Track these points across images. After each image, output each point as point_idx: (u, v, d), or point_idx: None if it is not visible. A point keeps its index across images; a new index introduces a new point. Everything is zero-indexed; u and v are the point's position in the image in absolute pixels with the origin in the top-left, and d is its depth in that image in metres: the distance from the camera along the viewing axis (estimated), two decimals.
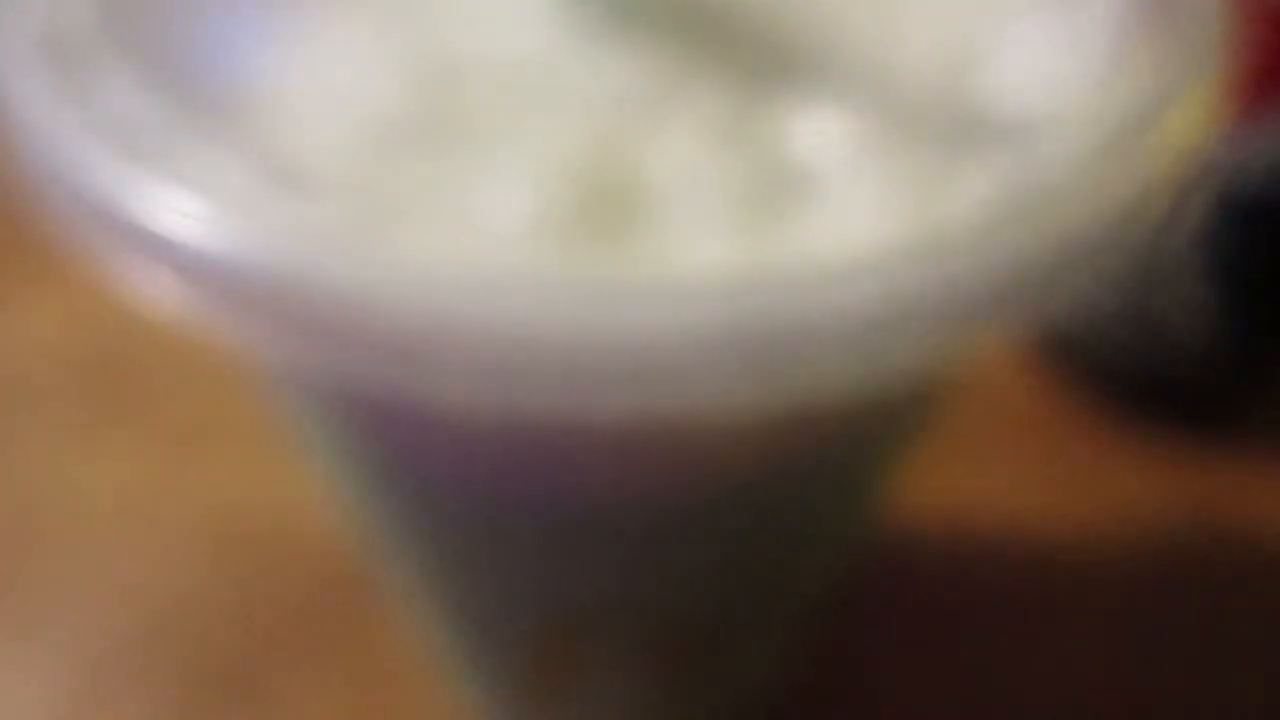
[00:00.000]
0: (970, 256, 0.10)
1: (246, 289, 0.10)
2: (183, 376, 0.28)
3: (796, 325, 0.10)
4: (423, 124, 0.13)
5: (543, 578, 0.16)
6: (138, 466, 0.26)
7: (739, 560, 0.16)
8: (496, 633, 0.18)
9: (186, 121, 0.12)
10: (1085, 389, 0.27)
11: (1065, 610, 0.24)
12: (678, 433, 0.12)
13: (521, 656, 0.18)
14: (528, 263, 0.11)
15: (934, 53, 0.14)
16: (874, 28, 0.14)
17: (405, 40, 0.14)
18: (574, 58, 0.13)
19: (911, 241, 0.10)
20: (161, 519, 0.25)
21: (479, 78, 0.13)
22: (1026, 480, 0.26)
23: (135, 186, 0.10)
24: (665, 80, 0.13)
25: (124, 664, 0.23)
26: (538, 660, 0.18)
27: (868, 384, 0.10)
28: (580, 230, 0.12)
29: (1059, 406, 0.27)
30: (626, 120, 0.13)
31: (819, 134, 0.13)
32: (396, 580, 0.18)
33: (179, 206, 0.10)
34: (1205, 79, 0.12)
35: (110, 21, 0.13)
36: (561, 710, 0.19)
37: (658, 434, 0.12)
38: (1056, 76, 0.13)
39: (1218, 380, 0.26)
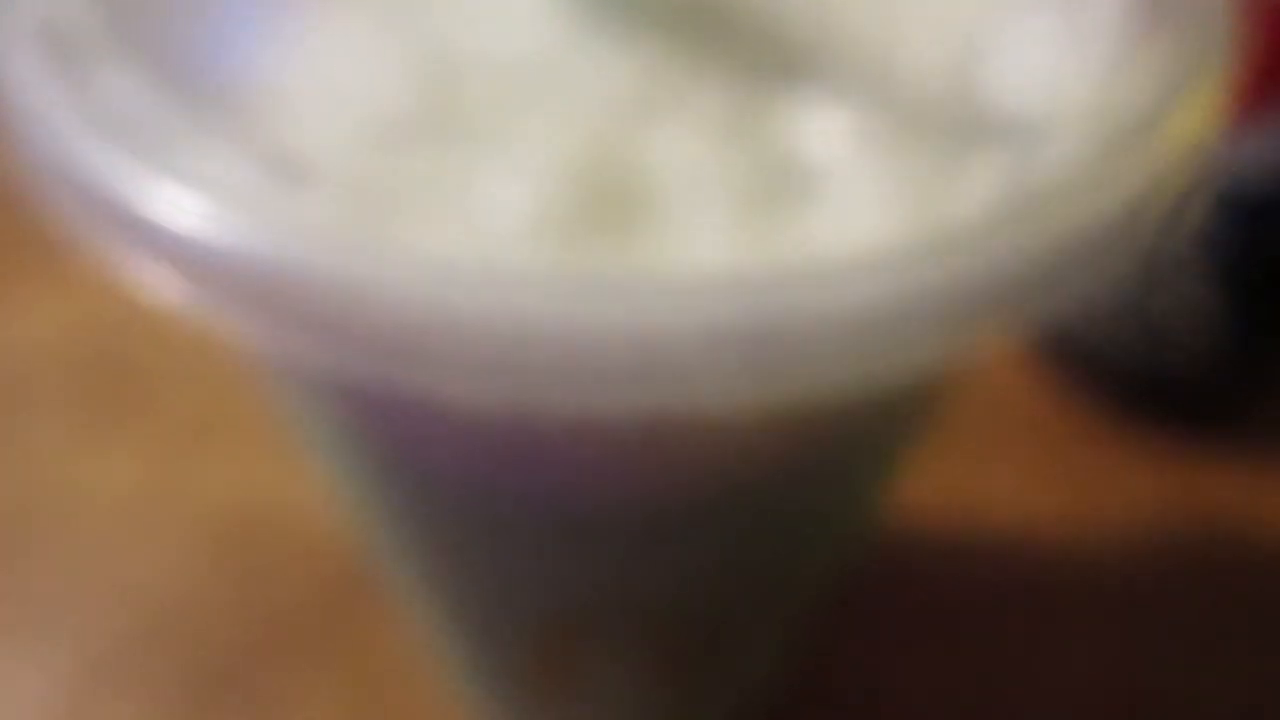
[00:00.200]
0: (973, 254, 0.10)
1: (247, 282, 0.10)
2: (182, 376, 0.28)
3: (799, 321, 0.10)
4: (423, 121, 0.13)
5: (543, 576, 0.16)
6: (137, 467, 0.26)
7: (741, 559, 0.16)
8: (497, 632, 0.18)
9: (187, 116, 0.12)
10: (1086, 389, 0.27)
11: (1065, 610, 0.24)
12: (679, 429, 0.12)
13: (522, 656, 0.18)
14: (529, 259, 0.11)
15: (937, 51, 0.14)
16: (876, 25, 0.14)
17: (406, 37, 0.14)
18: (575, 55, 0.13)
19: (915, 239, 0.10)
20: (161, 519, 0.25)
21: (480, 75, 0.13)
22: (1027, 480, 0.26)
23: (136, 180, 0.10)
24: (667, 78, 0.13)
25: (124, 664, 0.23)
26: (538, 659, 0.18)
27: (870, 381, 0.10)
28: (581, 227, 0.12)
29: (1060, 407, 0.27)
30: (628, 118, 0.13)
31: (821, 132, 0.13)
32: (398, 579, 0.18)
33: (180, 200, 0.10)
34: (1209, 78, 0.12)
35: (111, 17, 0.13)
36: (562, 710, 0.19)
37: (659, 430, 0.12)
38: (1059, 75, 0.13)
39: (1218, 380, 0.26)
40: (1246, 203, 0.23)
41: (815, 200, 0.12)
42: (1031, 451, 0.26)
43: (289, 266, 0.10)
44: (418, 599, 0.18)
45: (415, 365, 0.10)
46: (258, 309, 0.10)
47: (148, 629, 0.23)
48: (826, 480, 0.16)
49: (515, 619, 0.17)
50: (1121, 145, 0.11)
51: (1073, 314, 0.11)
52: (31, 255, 0.29)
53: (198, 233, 0.10)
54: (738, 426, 0.12)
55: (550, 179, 0.12)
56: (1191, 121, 0.12)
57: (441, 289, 0.10)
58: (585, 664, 0.18)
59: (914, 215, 0.12)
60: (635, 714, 0.19)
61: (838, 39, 0.14)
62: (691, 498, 0.14)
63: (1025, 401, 0.27)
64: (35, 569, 0.24)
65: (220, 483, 0.26)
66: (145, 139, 0.11)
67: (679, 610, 0.17)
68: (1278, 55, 0.21)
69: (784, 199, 0.12)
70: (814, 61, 0.14)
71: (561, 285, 0.10)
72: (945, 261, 0.10)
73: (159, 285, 0.11)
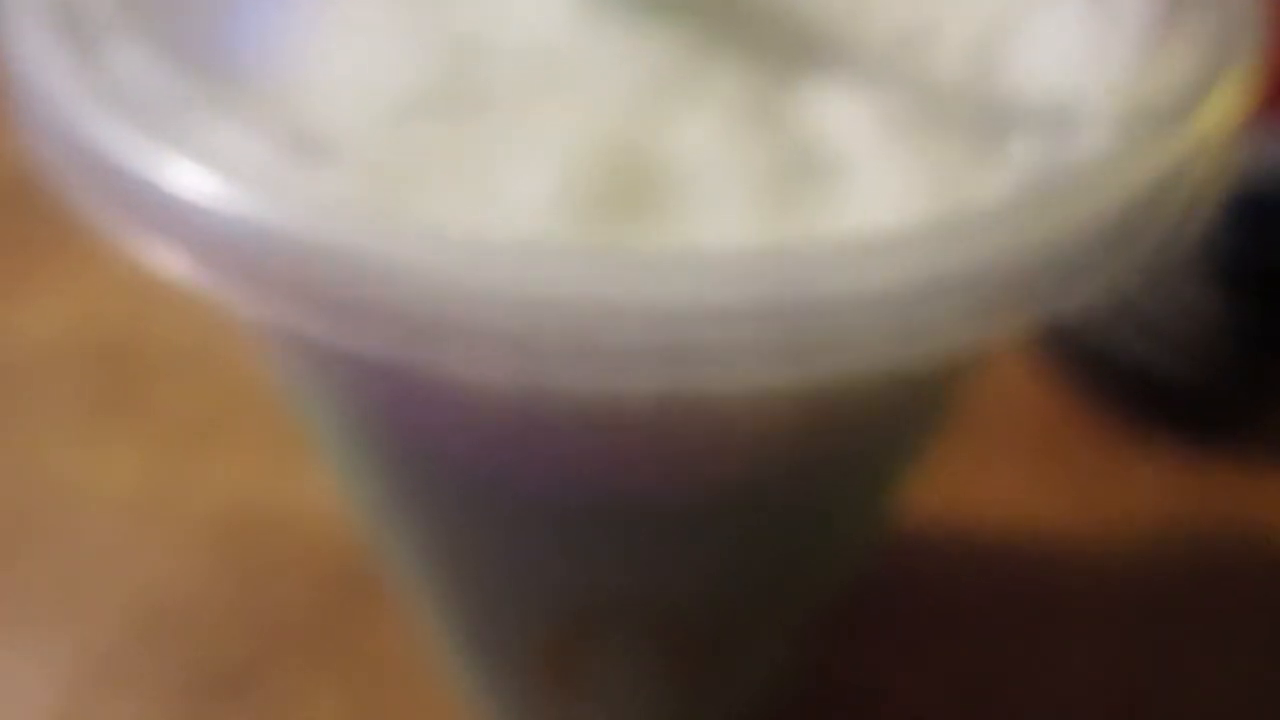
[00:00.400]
0: (999, 239, 0.10)
1: (263, 258, 0.10)
2: (184, 376, 0.28)
3: (823, 301, 0.10)
4: (444, 103, 0.13)
5: (551, 574, 0.16)
6: (139, 465, 0.26)
7: (750, 560, 0.16)
8: (502, 630, 0.18)
9: (203, 93, 0.12)
10: (1091, 393, 0.27)
11: (1068, 612, 0.24)
12: (696, 412, 0.12)
13: (526, 654, 0.18)
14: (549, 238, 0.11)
15: (962, 37, 0.14)
16: (901, 10, 0.14)
17: (429, 19, 0.14)
18: (597, 39, 0.13)
19: (941, 221, 0.10)
20: (162, 519, 0.25)
21: (501, 58, 0.13)
22: (1032, 483, 0.26)
23: (154, 157, 0.10)
24: (688, 62, 0.13)
25: (124, 664, 0.23)
26: (547, 658, 0.18)
27: (893, 364, 0.10)
28: (601, 211, 0.12)
29: (1065, 410, 0.27)
30: (649, 102, 0.13)
31: (844, 118, 0.13)
32: (403, 577, 0.18)
33: (196, 175, 0.10)
34: (1237, 70, 0.12)
35: None
36: (565, 709, 0.19)
37: (680, 413, 0.12)
38: (1086, 63, 0.13)
39: (1223, 384, 0.26)
40: (1252, 206, 0.23)
41: (837, 187, 0.12)
42: (1036, 454, 0.26)
43: (306, 242, 0.10)
44: (423, 598, 0.18)
45: (434, 342, 0.10)
46: (274, 285, 0.10)
47: (148, 629, 0.23)
48: (839, 480, 0.16)
49: (520, 617, 0.17)
50: (1150, 134, 0.11)
51: (1094, 304, 0.11)
52: (32, 255, 0.29)
53: (214, 208, 0.10)
54: (756, 410, 0.12)
55: (571, 162, 0.12)
56: (1221, 112, 0.12)
57: (462, 264, 0.10)
58: (589, 663, 0.18)
59: (938, 201, 0.12)
60: (639, 714, 0.19)
61: (862, 24, 0.14)
62: (704, 494, 0.14)
63: (1031, 405, 0.27)
64: (35, 569, 0.24)
65: (221, 483, 0.26)
66: (160, 115, 0.11)
67: (688, 609, 0.17)
68: None
69: (806, 185, 0.12)
70: (837, 46, 0.14)
71: (583, 261, 0.10)
72: (971, 245, 0.10)
73: (173, 263, 0.11)
